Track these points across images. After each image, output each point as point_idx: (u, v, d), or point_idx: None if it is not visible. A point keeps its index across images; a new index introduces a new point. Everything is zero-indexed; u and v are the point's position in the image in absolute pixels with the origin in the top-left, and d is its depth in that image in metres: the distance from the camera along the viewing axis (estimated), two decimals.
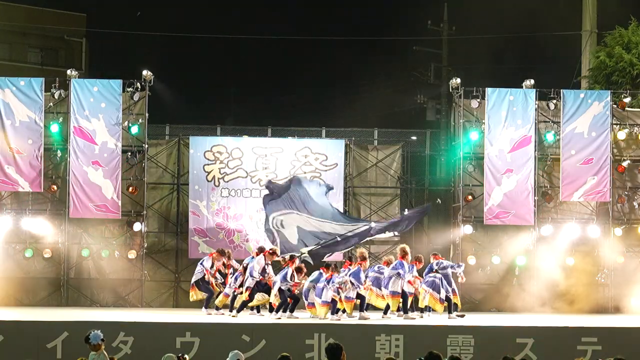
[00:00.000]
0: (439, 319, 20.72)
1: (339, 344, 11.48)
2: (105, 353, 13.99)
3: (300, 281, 21.01)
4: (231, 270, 22.08)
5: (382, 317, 20.75)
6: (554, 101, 24.67)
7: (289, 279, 20.90)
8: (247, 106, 41.19)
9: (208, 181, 24.95)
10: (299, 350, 17.69)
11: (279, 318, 20.51)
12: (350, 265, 21.22)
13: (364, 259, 21.19)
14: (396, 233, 23.52)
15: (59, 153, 24.09)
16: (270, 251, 21.74)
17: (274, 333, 18.52)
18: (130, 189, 24.11)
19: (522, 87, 24.79)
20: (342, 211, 23.83)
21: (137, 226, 24.09)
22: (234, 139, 25.43)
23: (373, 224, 22.81)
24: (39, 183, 23.75)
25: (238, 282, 21.54)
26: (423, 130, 28.15)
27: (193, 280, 22.07)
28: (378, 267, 21.64)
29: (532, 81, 24.74)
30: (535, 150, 24.48)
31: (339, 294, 20.49)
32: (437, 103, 38.24)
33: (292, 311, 20.88)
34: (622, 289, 24.48)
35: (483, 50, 38.13)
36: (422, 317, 21.26)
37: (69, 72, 24.59)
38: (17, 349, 17.84)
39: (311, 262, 22.15)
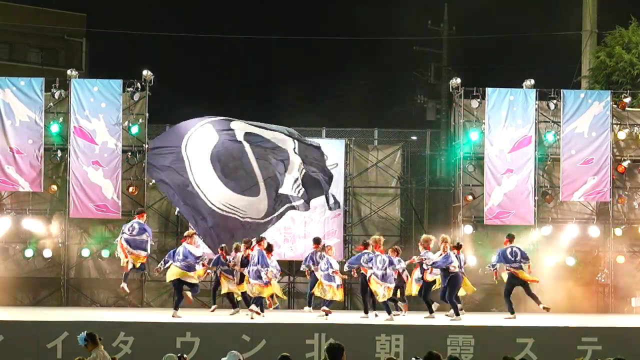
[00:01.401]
0: (439, 319, 20.72)
1: (341, 344, 11.45)
2: (103, 352, 13.97)
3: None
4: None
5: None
6: (554, 101, 24.68)
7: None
8: (247, 106, 41.18)
9: None
10: (299, 350, 17.68)
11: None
12: (365, 249, 21.14)
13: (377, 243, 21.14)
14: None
15: (59, 153, 24.09)
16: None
17: (274, 333, 18.51)
18: (131, 189, 24.11)
19: (522, 87, 24.79)
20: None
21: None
22: None
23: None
24: (39, 183, 23.76)
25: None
26: (423, 130, 28.16)
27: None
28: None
29: (532, 81, 24.74)
30: (535, 150, 24.48)
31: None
32: (437, 103, 38.26)
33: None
34: (622, 289, 24.49)
35: (483, 50, 38.17)
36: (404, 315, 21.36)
37: (69, 72, 24.59)
38: (17, 349, 17.84)
39: None
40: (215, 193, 22.88)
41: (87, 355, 13.87)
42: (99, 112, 23.96)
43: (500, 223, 24.41)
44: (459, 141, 25.02)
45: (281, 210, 23.12)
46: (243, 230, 22.65)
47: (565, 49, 32.76)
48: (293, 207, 23.19)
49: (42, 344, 17.99)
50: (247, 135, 23.14)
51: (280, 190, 22.99)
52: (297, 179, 22.95)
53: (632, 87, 27.30)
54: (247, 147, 23.15)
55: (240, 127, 23.27)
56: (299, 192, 22.92)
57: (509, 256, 21.48)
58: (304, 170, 22.99)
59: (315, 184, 23.07)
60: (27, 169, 23.71)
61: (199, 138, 23.15)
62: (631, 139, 24.98)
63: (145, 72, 24.39)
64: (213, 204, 22.80)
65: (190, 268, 20.87)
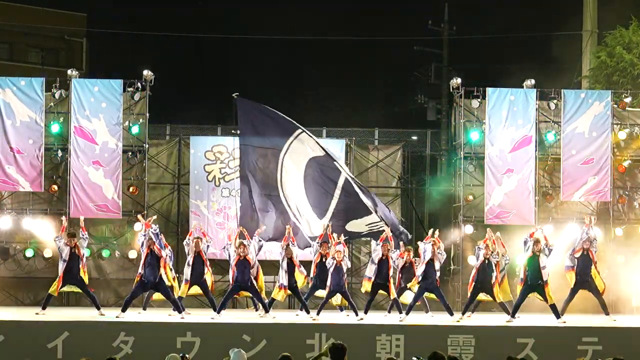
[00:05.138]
0: (440, 319, 20.72)
1: (343, 344, 11.42)
2: None
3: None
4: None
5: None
6: (555, 101, 24.69)
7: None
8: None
9: (209, 181, 24.94)
10: (300, 350, 17.67)
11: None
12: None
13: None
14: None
15: (60, 153, 24.09)
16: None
17: (274, 333, 18.52)
18: (131, 188, 24.11)
19: (522, 87, 24.80)
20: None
21: (137, 226, 24.08)
22: (235, 138, 25.35)
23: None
24: (40, 183, 23.76)
25: None
26: (424, 130, 28.18)
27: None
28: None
29: (533, 81, 24.75)
30: (535, 150, 24.49)
31: None
32: (438, 103, 38.21)
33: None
34: (622, 289, 24.49)
35: (483, 50, 38.15)
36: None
37: (69, 72, 24.59)
38: (17, 349, 17.83)
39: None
40: (291, 189, 22.63)
41: (88, 355, 13.84)
42: (100, 112, 23.96)
43: (500, 223, 24.42)
44: (460, 141, 25.03)
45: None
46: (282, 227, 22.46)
47: (566, 49, 32.75)
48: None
49: (42, 344, 17.99)
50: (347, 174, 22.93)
51: (348, 227, 22.71)
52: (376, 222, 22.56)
53: (632, 87, 27.31)
54: (343, 174, 22.72)
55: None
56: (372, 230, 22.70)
57: None
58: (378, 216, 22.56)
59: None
60: (28, 169, 23.71)
61: (306, 140, 22.79)
62: (631, 139, 24.99)
63: (145, 72, 24.38)
64: (284, 195, 22.52)
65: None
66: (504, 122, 24.47)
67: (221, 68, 44.14)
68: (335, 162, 22.83)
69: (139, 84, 24.33)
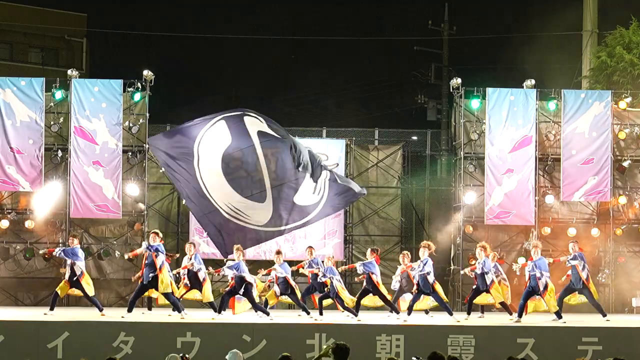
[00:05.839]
0: (440, 319, 20.71)
1: (347, 345, 11.40)
2: None
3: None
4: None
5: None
6: (555, 101, 24.71)
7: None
8: (246, 106, 41.13)
9: None
10: (300, 350, 17.67)
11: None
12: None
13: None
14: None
15: (60, 153, 24.09)
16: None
17: (274, 333, 18.51)
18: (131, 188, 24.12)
19: (522, 87, 24.80)
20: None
21: (137, 226, 24.10)
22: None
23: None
24: (40, 183, 23.77)
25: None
26: (424, 130, 28.19)
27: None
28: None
29: (533, 81, 24.76)
30: (535, 150, 24.49)
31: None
32: (438, 103, 38.25)
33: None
34: (623, 289, 24.50)
35: (483, 50, 38.19)
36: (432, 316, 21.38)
37: (69, 72, 24.58)
38: (17, 349, 17.82)
39: None
40: (219, 193, 21.99)
41: (88, 355, 13.84)
42: (100, 112, 23.97)
43: (501, 223, 24.44)
44: (460, 141, 25.03)
45: (294, 224, 22.18)
46: (242, 234, 21.94)
47: (565, 49, 32.78)
48: (306, 223, 21.95)
49: (42, 344, 17.98)
50: (260, 135, 21.65)
51: (296, 200, 22.04)
52: (318, 185, 21.75)
53: (632, 87, 27.31)
54: (259, 149, 22.03)
55: (253, 124, 21.70)
56: (320, 199, 22.00)
57: None
58: (327, 175, 21.85)
59: (340, 189, 21.99)
60: (28, 169, 23.72)
61: (213, 136, 21.51)
62: (631, 139, 25.00)
63: (145, 72, 24.39)
64: (217, 203, 21.98)
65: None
66: (504, 122, 24.48)
67: (221, 68, 44.15)
68: (246, 140, 21.72)
69: (139, 84, 24.34)
